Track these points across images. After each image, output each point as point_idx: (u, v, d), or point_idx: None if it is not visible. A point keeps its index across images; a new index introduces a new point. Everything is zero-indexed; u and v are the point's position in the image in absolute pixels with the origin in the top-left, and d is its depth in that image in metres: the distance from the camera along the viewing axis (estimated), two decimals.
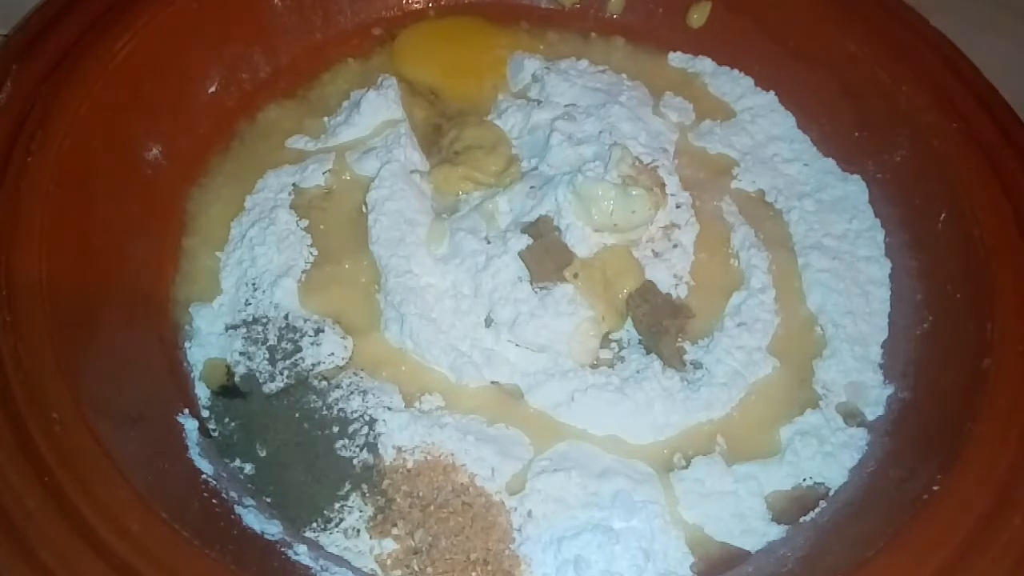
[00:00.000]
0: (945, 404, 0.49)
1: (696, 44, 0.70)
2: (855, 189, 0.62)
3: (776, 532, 0.48)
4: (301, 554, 0.45)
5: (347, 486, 0.48)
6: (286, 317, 0.54)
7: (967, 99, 0.59)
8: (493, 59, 0.68)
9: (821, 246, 0.59)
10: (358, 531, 0.47)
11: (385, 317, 0.54)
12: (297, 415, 0.50)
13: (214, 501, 0.46)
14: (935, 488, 0.44)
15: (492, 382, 0.53)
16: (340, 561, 0.46)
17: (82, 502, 0.40)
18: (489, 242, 0.55)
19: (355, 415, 0.50)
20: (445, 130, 0.64)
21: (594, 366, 0.54)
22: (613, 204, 0.54)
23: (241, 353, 0.53)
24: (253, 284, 0.55)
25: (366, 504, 0.48)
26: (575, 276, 0.54)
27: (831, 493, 0.50)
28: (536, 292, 0.53)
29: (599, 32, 0.71)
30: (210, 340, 0.54)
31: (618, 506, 0.47)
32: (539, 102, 0.64)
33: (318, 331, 0.53)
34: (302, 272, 0.55)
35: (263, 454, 0.49)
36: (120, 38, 0.55)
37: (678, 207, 0.59)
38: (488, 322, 0.54)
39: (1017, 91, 0.59)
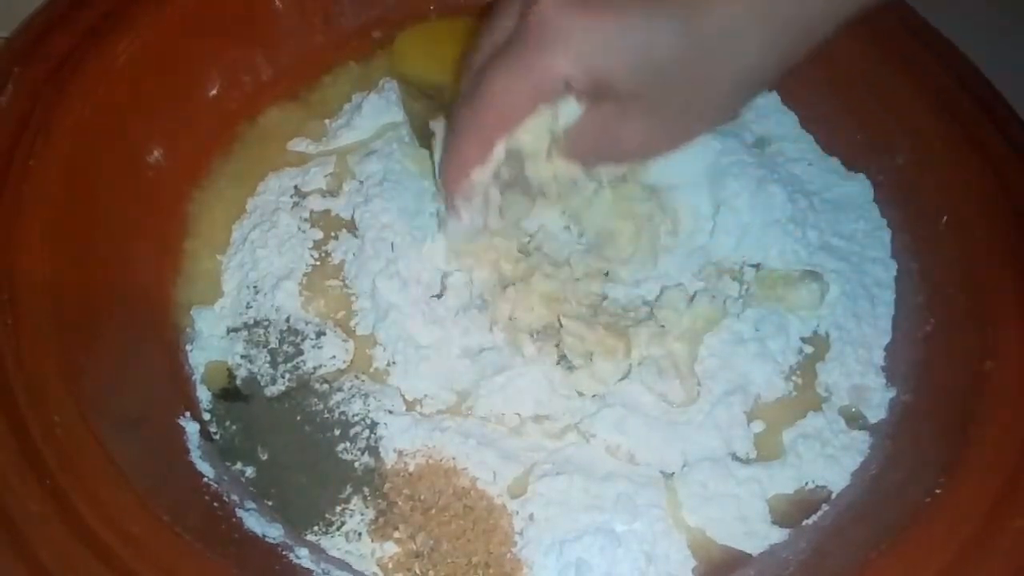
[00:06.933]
0: (947, 407, 0.49)
1: None
2: (860, 188, 0.62)
3: (778, 535, 0.48)
4: (303, 557, 0.45)
5: (348, 489, 0.48)
6: (287, 320, 0.54)
7: (968, 100, 0.58)
8: None
9: (829, 247, 0.59)
10: (359, 534, 0.47)
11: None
12: (298, 418, 0.50)
13: (215, 504, 0.46)
14: (937, 491, 0.44)
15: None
16: (342, 564, 0.46)
17: (83, 505, 0.40)
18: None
19: (356, 418, 0.50)
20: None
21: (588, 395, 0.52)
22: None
23: (242, 356, 0.53)
24: (254, 287, 0.55)
25: (367, 507, 0.48)
26: None
27: (833, 496, 0.50)
28: None
29: None
30: (211, 343, 0.54)
31: (620, 509, 0.47)
32: None
33: (319, 334, 0.53)
34: (303, 275, 0.55)
35: (264, 457, 0.49)
36: (121, 41, 0.55)
37: None
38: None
39: (1018, 91, 0.59)
